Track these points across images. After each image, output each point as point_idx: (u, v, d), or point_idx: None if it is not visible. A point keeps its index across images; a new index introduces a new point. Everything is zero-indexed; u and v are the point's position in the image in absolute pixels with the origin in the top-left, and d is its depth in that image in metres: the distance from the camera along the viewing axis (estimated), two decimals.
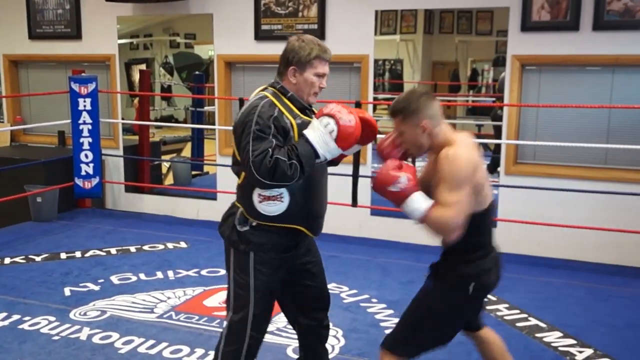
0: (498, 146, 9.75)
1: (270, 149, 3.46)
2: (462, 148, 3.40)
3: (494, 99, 9.96)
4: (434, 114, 3.47)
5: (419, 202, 3.38)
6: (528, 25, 7.27)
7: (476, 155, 3.43)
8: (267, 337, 5.07)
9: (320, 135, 3.51)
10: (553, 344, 5.24)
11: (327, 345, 4.30)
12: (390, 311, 5.89)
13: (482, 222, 3.51)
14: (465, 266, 3.54)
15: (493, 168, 10.28)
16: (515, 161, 7.66)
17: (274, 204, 3.61)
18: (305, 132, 3.55)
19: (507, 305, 6.02)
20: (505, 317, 5.76)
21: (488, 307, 5.94)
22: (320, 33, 8.07)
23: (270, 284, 3.79)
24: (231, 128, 3.79)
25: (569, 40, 7.13)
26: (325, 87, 3.76)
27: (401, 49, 11.14)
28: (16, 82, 10.47)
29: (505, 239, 7.48)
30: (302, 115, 3.67)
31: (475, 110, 11.78)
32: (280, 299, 4.12)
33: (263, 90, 3.75)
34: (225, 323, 3.88)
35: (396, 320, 3.90)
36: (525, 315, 5.81)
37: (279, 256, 3.77)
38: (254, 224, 3.70)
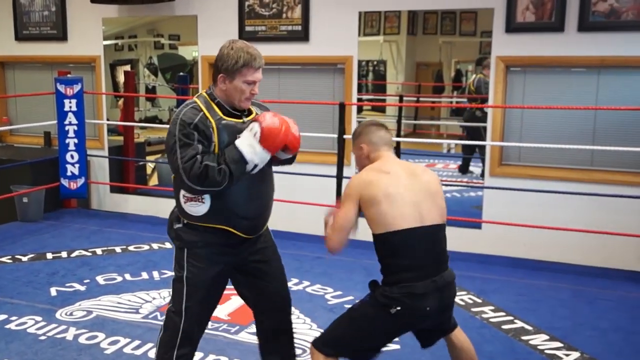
0: (471, 148, 9.84)
1: (198, 155, 3.52)
2: (363, 171, 3.80)
3: (477, 100, 9.95)
4: (376, 141, 3.85)
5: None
6: (513, 26, 7.28)
7: (375, 177, 3.68)
8: (252, 338, 5.09)
9: (246, 139, 3.56)
10: (539, 347, 5.24)
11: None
12: None
13: (398, 243, 3.58)
14: (387, 288, 3.61)
15: (464, 169, 10.36)
16: (500, 163, 7.67)
17: (195, 204, 3.68)
18: (235, 140, 3.59)
19: (492, 308, 6.04)
20: (491, 320, 5.77)
21: (473, 310, 5.97)
22: (304, 34, 8.10)
23: (202, 277, 3.81)
24: None
25: (554, 42, 7.16)
26: (257, 93, 3.74)
27: (385, 50, 11.13)
28: (2, 83, 10.46)
29: (490, 240, 7.56)
30: (225, 117, 3.68)
31: (459, 111, 11.78)
32: (246, 300, 4.17)
33: (200, 93, 3.80)
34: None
35: None
36: (511, 318, 5.81)
37: (215, 251, 3.81)
38: (185, 222, 3.79)
